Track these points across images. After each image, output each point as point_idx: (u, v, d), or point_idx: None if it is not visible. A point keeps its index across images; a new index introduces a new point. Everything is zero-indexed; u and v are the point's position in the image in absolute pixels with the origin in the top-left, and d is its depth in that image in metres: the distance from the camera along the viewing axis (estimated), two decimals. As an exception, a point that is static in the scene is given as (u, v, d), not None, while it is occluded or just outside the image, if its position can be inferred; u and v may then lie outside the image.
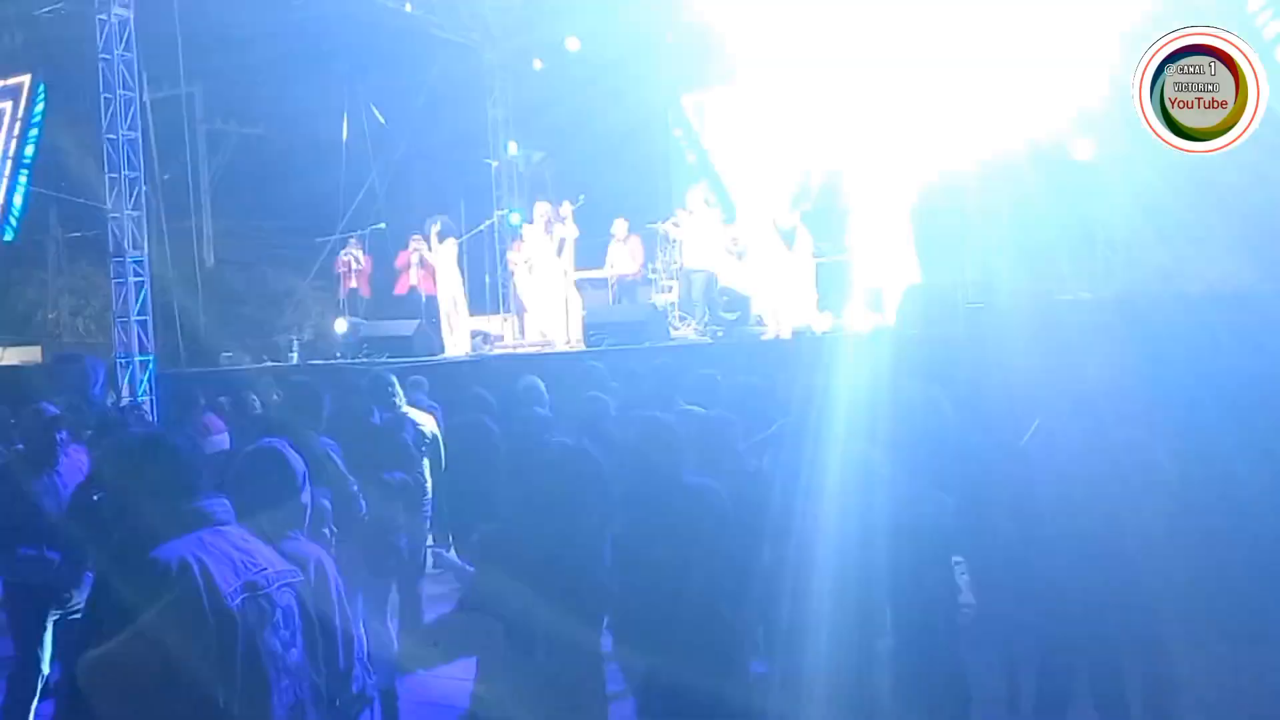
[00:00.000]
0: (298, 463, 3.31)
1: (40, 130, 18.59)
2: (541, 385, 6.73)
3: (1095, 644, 4.60)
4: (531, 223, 13.31)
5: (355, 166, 16.80)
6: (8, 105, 18.67)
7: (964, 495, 4.66)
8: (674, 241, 13.58)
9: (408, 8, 14.37)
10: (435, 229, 13.34)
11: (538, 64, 15.95)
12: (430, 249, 13.32)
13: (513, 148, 16.52)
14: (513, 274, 13.47)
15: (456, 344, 12.96)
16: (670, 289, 13.42)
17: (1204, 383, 5.33)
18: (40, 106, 18.64)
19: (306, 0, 13.66)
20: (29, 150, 18.47)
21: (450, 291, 13.22)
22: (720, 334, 11.37)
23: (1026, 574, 4.70)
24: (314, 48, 16.28)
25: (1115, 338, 6.65)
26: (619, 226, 13.13)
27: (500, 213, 14.54)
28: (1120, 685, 4.69)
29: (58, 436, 5.22)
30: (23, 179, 18.62)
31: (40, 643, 5.21)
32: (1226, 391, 5.23)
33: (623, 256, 13.14)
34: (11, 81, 18.87)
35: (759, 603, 3.97)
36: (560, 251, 12.72)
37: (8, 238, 17.90)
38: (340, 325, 12.75)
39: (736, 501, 4.03)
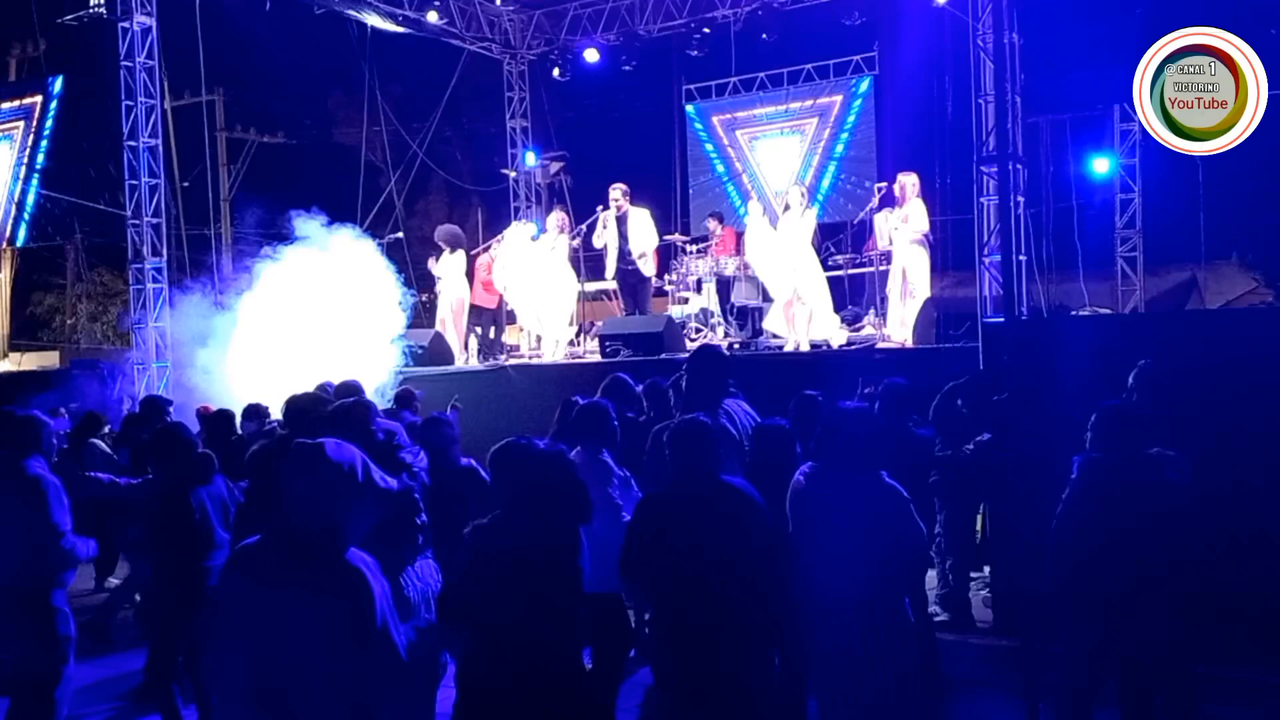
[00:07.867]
0: None
1: (61, 137, 18.70)
2: None
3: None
4: (545, 232, 13.14)
5: (374, 176, 16.81)
6: (32, 107, 18.80)
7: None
8: (690, 252, 13.54)
9: (430, 17, 14.35)
10: (442, 239, 13.26)
11: (557, 74, 15.93)
12: (437, 260, 13.22)
13: (530, 159, 16.50)
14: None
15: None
16: (687, 300, 13.33)
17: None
18: (62, 113, 18.75)
19: (327, 9, 13.66)
20: (40, 156, 18.57)
21: (451, 301, 13.13)
22: (737, 347, 11.25)
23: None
24: (334, 57, 16.33)
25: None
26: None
27: (518, 224, 14.45)
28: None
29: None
30: (35, 183, 18.72)
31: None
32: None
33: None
34: (32, 93, 19.01)
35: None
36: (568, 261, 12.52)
37: (20, 242, 18.04)
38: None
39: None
